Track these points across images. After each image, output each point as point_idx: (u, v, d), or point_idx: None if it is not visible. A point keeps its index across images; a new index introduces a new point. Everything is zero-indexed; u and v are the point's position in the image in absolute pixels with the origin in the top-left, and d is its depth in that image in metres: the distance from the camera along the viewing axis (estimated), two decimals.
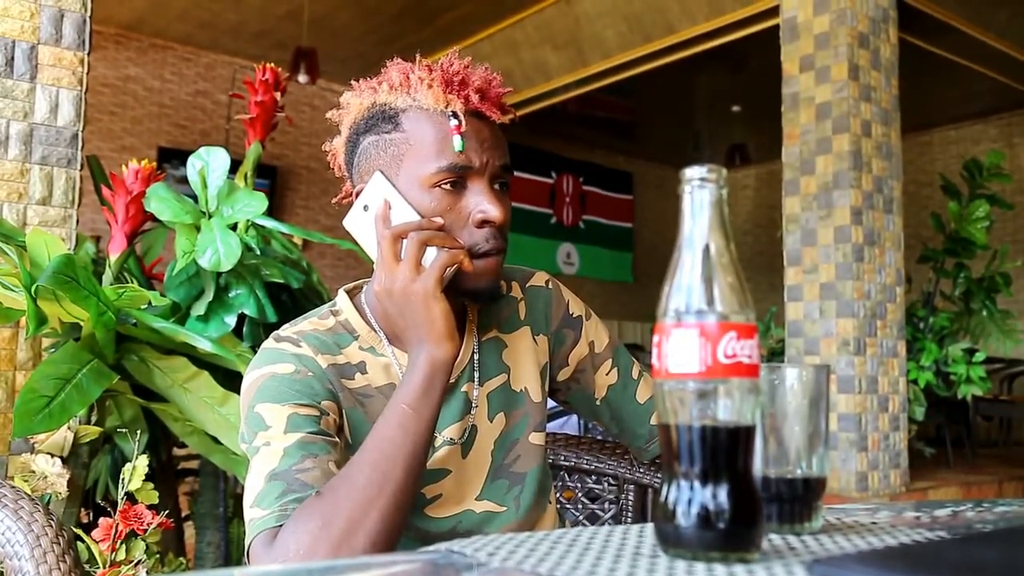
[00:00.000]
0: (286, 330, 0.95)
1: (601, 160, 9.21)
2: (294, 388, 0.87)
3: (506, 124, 0.97)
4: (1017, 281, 5.37)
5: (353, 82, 0.99)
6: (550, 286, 1.09)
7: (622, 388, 1.08)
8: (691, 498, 0.46)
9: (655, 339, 0.48)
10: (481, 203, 0.91)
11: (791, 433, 0.56)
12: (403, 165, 0.92)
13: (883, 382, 4.19)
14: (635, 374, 1.09)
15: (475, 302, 0.98)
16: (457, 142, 0.90)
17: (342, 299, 0.99)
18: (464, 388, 0.97)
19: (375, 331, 0.96)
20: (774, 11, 4.68)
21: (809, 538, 0.54)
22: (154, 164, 1.76)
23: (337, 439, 0.88)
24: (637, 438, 1.08)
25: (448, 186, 0.91)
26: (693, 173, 0.49)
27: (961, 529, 0.55)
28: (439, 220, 0.91)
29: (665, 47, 5.62)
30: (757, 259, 8.78)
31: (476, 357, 0.99)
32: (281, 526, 0.77)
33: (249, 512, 0.81)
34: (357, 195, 0.96)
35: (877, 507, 0.66)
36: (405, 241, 0.88)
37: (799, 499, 0.56)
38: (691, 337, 0.46)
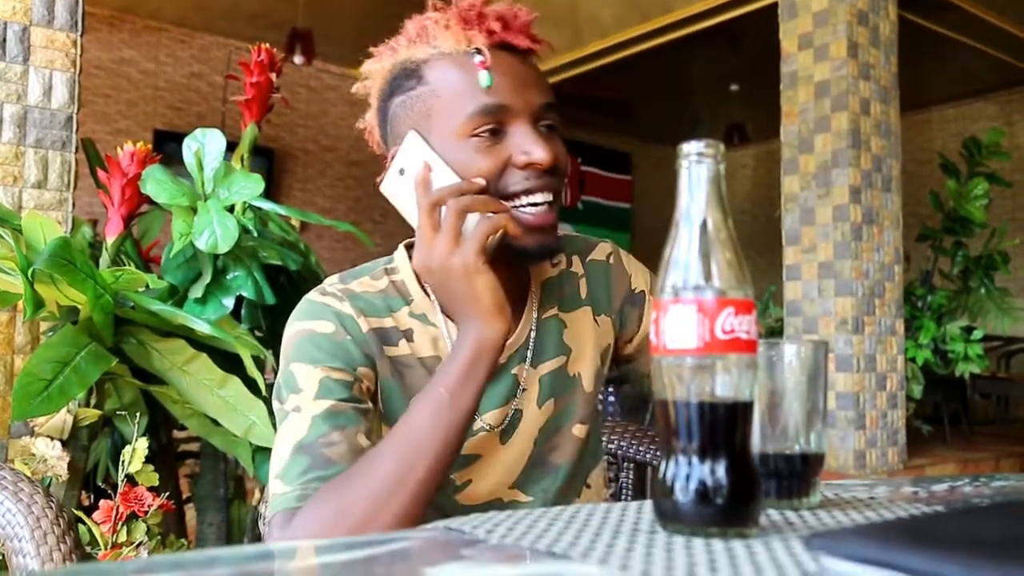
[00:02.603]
0: (333, 284, 0.89)
1: (599, 140, 9.18)
2: (329, 351, 0.83)
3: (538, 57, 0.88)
4: (1015, 259, 5.38)
5: (372, 48, 0.91)
6: (611, 260, 1.01)
7: None
8: (689, 474, 0.46)
9: (653, 315, 0.48)
10: (524, 144, 0.83)
11: (789, 409, 0.56)
12: (433, 120, 0.84)
13: (881, 360, 4.20)
14: None
15: (526, 263, 0.90)
16: (484, 77, 0.81)
17: (400, 257, 0.92)
18: (515, 370, 0.90)
19: (429, 297, 0.89)
20: None
21: (807, 513, 0.54)
22: (149, 146, 1.75)
23: (370, 406, 0.84)
24: None
25: (485, 134, 0.83)
26: (690, 148, 0.48)
27: (959, 504, 0.56)
28: (480, 181, 0.82)
29: (663, 26, 5.59)
30: (756, 238, 8.77)
31: (533, 336, 0.92)
32: (299, 508, 0.75)
33: (273, 484, 0.79)
34: (392, 158, 0.88)
35: (874, 483, 0.66)
36: (443, 208, 0.80)
37: (797, 475, 0.56)
38: (688, 313, 0.46)
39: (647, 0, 5.49)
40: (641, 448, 1.18)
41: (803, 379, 0.56)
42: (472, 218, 0.80)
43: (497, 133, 0.83)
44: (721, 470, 0.46)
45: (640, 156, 9.68)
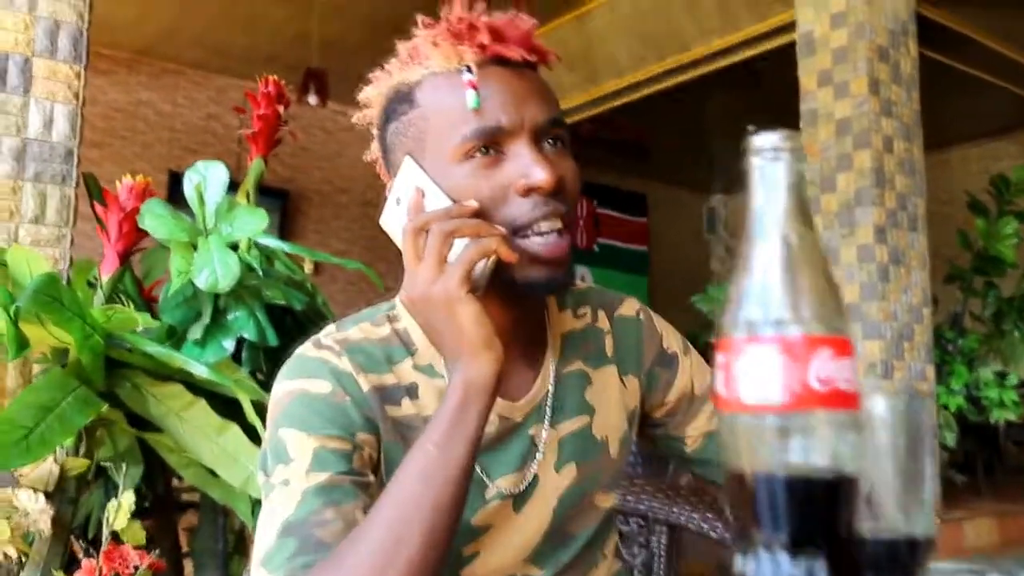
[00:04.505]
0: (330, 335, 0.79)
1: (614, 182, 9.11)
2: (325, 416, 0.73)
3: (546, 69, 0.81)
4: None
5: (369, 75, 0.85)
6: (641, 317, 0.93)
7: None
8: (776, 574, 0.35)
9: (720, 359, 0.37)
10: (522, 166, 0.74)
11: (884, 480, 0.44)
12: (427, 145, 0.77)
13: None
14: None
15: (531, 296, 0.80)
16: (470, 98, 0.73)
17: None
18: (531, 431, 0.81)
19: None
20: (790, 26, 4.59)
21: None
22: (149, 179, 1.68)
23: (371, 479, 0.74)
24: None
25: (480, 157, 0.75)
26: (763, 142, 0.37)
27: None
28: (472, 203, 0.74)
29: (679, 65, 5.54)
30: None
31: (552, 392, 0.83)
32: None
33: (256, 572, 0.68)
34: (389, 189, 0.81)
35: (983, 568, 0.54)
36: (428, 234, 0.73)
37: (902, 567, 0.43)
38: (771, 356, 0.35)
39: (664, 40, 5.46)
40: (675, 509, 1.05)
41: (900, 441, 0.44)
42: (460, 244, 0.72)
43: (495, 156, 0.75)
44: (820, 570, 0.34)
45: (656, 198, 9.60)
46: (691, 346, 0.95)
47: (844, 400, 0.35)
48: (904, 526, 0.44)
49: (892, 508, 0.44)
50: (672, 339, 0.93)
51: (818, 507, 0.35)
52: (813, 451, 0.35)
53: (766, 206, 0.37)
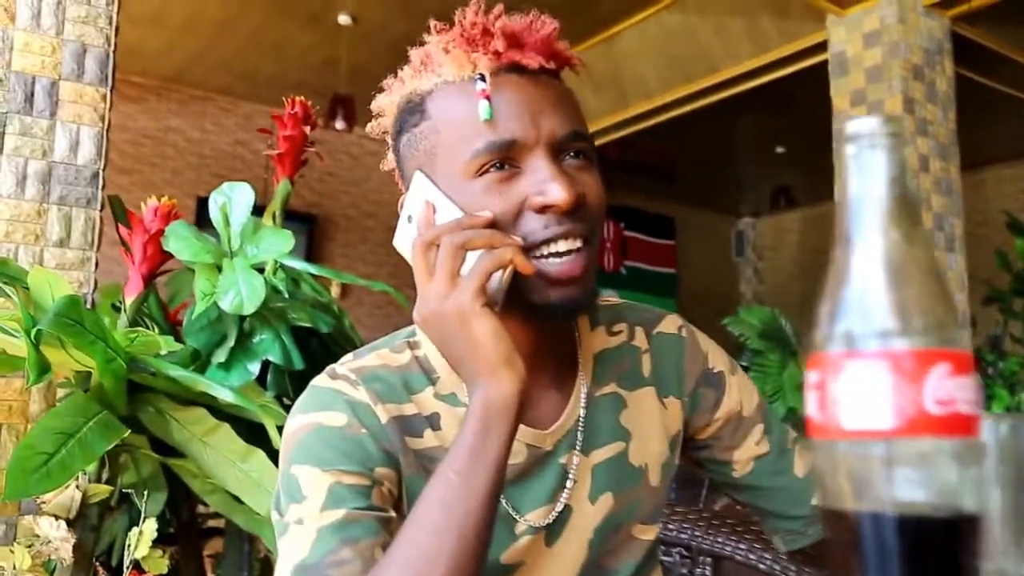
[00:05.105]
0: (346, 364, 0.75)
1: (642, 204, 9.06)
2: (341, 449, 0.68)
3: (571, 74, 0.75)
4: None
5: (383, 83, 0.81)
6: (684, 334, 0.87)
7: (774, 460, 0.84)
8: None
9: (814, 378, 0.32)
10: (538, 182, 0.68)
11: (990, 514, 0.39)
12: (438, 159, 0.72)
13: None
14: (790, 442, 0.86)
15: (554, 320, 0.75)
16: (483, 109, 0.68)
17: None
18: (563, 459, 0.76)
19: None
20: (822, 46, 4.54)
21: None
22: (174, 201, 1.66)
23: (392, 514, 0.69)
24: (790, 521, 0.85)
25: (494, 172, 0.69)
26: (860, 127, 0.32)
27: None
28: (486, 214, 0.68)
29: (707, 87, 5.50)
30: (806, 306, 8.49)
31: (583, 416, 0.77)
32: None
33: None
34: (401, 206, 0.76)
35: None
36: (439, 248, 0.68)
37: None
38: (877, 374, 0.29)
39: (692, 61, 5.42)
40: (719, 539, 0.99)
41: (1005, 472, 0.39)
42: (473, 256, 0.67)
43: (510, 171, 0.70)
44: None
45: (684, 220, 9.54)
46: (738, 365, 0.89)
47: (964, 425, 0.29)
48: (1015, 568, 0.38)
49: (1001, 546, 0.38)
50: (718, 357, 0.88)
51: (935, 552, 0.29)
52: (929, 485, 0.29)
53: (864, 201, 0.32)
